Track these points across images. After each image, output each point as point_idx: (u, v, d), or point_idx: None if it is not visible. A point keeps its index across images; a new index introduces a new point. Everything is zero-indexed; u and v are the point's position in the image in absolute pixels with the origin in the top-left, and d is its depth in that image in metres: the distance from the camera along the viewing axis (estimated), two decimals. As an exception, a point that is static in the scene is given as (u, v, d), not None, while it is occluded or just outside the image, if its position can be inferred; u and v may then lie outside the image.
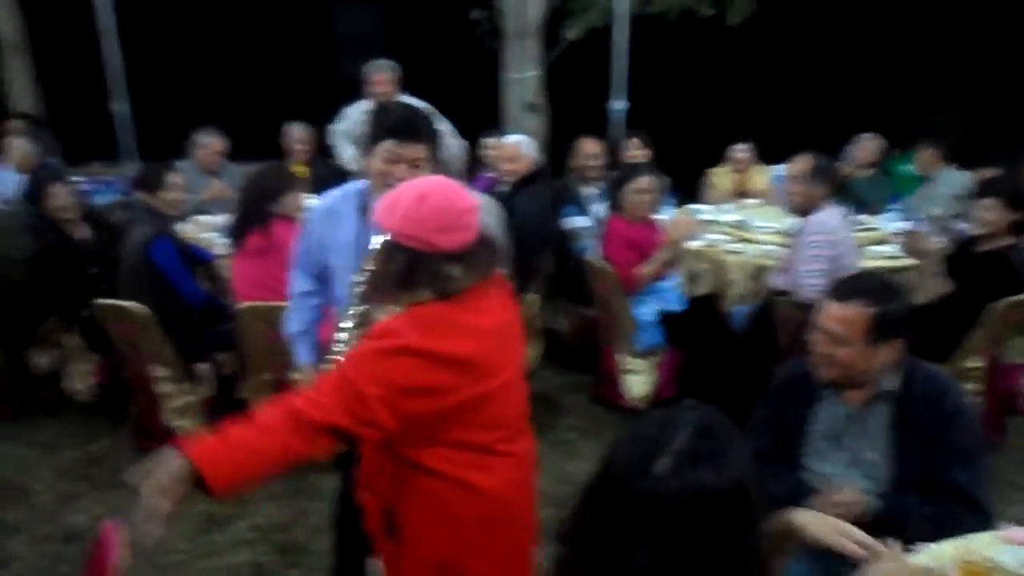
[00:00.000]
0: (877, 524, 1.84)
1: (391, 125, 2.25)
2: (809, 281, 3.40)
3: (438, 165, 2.32)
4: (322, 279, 2.52)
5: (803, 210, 3.62)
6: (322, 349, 2.54)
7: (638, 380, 4.03)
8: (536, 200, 4.24)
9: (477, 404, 1.78)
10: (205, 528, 3.26)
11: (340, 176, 5.34)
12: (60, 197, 3.97)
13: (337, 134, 5.63)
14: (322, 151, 5.77)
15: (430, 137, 2.28)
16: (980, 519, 1.91)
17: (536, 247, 4.14)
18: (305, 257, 2.52)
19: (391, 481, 1.90)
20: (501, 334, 1.85)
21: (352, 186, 2.49)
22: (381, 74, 5.27)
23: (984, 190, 3.62)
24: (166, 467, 1.60)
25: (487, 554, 1.91)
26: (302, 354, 2.59)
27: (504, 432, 1.88)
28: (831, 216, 3.54)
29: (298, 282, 2.57)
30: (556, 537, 1.42)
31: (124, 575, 1.66)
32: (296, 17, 9.03)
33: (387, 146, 2.23)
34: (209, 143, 5.15)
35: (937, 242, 3.85)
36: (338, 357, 2.19)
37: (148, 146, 6.23)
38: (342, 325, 2.27)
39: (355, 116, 5.54)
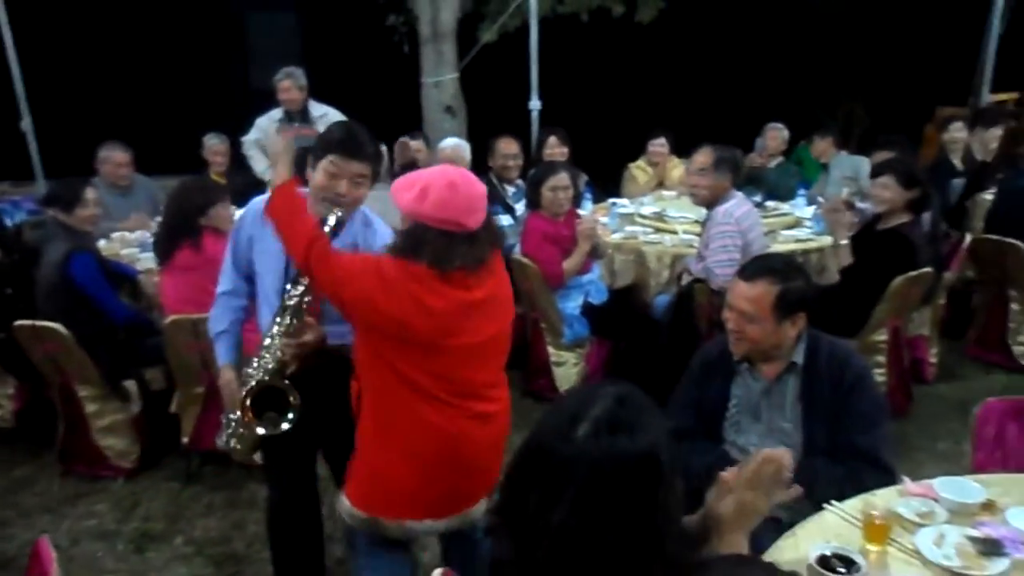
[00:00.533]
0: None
1: (335, 141, 2.30)
2: (721, 271, 3.54)
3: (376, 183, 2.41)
4: (250, 280, 2.53)
5: (709, 202, 3.75)
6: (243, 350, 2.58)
7: (567, 372, 4.13)
8: None
9: (428, 351, 2.08)
10: (140, 546, 3.21)
11: (258, 187, 5.32)
12: (-32, 218, 3.86)
13: (249, 144, 5.61)
14: (239, 162, 5.72)
15: (372, 156, 2.33)
16: (883, 477, 2.06)
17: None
18: (235, 256, 2.53)
19: (362, 366, 2.19)
20: (482, 306, 2.13)
21: None
22: (287, 81, 5.29)
23: (879, 169, 3.81)
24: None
25: (416, 474, 2.18)
26: (222, 354, 2.57)
27: (454, 387, 2.13)
28: (737, 205, 3.69)
29: (226, 280, 2.56)
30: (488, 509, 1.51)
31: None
32: (208, 28, 8.87)
33: (330, 159, 2.27)
34: (111, 156, 5.04)
35: (852, 216, 4.02)
36: (271, 355, 2.30)
37: (58, 164, 6.05)
38: (270, 332, 2.32)
39: (266, 126, 5.54)
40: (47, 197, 3.75)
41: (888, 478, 2.05)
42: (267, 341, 2.33)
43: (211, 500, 3.52)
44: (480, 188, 2.11)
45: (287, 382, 2.31)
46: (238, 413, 2.35)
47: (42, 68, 5.90)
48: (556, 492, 1.29)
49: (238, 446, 2.49)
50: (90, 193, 3.70)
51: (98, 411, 3.65)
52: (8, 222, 5.27)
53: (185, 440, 3.61)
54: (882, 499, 1.89)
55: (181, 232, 3.51)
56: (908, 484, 1.96)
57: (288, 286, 2.31)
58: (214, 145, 5.70)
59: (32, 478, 3.73)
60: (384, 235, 2.45)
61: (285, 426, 2.31)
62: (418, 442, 2.15)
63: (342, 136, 2.32)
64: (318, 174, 2.30)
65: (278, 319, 2.30)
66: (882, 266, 3.62)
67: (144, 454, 3.74)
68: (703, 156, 3.72)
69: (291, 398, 2.30)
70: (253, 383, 2.31)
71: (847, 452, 2.11)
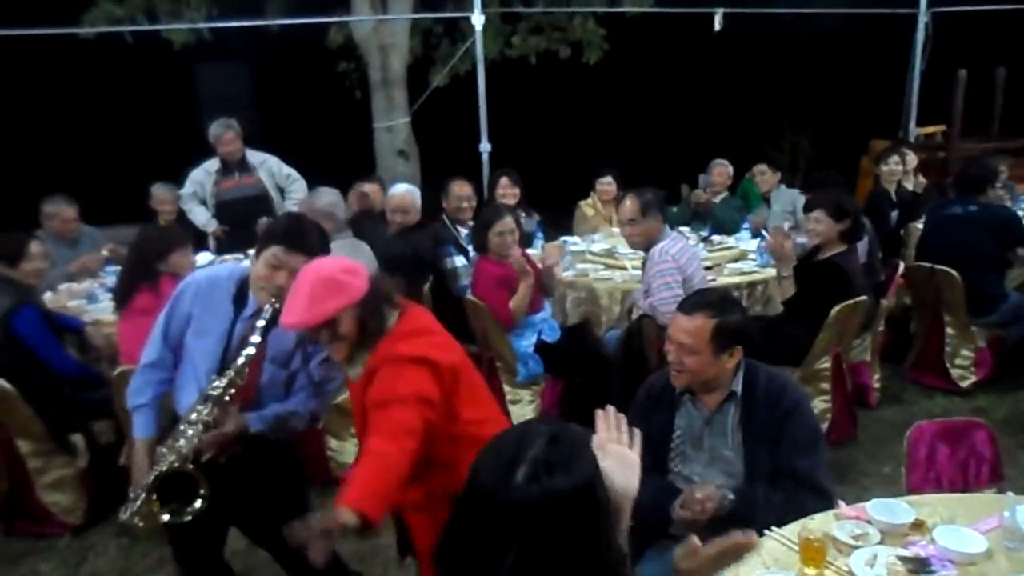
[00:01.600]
0: (732, 516, 2.03)
1: (280, 232, 2.31)
2: (664, 308, 3.62)
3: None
4: (177, 353, 2.49)
5: (646, 246, 3.85)
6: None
7: (523, 410, 4.16)
8: (423, 238, 4.38)
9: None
10: None
11: (201, 239, 5.32)
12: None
13: (186, 198, 5.61)
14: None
15: (317, 249, 2.32)
16: (821, 501, 2.13)
17: (419, 278, 4.26)
18: (167, 328, 2.47)
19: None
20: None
21: (233, 271, 2.50)
22: (230, 133, 5.36)
23: (811, 204, 3.96)
24: (339, 518, 1.87)
25: None
26: (140, 428, 2.50)
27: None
28: (672, 243, 3.80)
29: (151, 351, 2.49)
30: (432, 557, 1.53)
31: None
32: (158, 76, 8.85)
33: (272, 252, 2.27)
34: (58, 212, 5.00)
35: (794, 246, 4.14)
36: (186, 440, 2.27)
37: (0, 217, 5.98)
38: (189, 417, 2.30)
39: (201, 178, 5.57)
40: (-9, 252, 3.70)
41: (825, 501, 2.12)
42: (183, 426, 2.30)
43: (163, 554, 3.43)
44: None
45: (197, 469, 2.27)
46: (143, 494, 2.30)
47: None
48: (503, 538, 1.32)
49: (141, 523, 2.37)
50: (35, 247, 3.67)
51: (42, 467, 3.58)
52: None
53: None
54: (819, 523, 1.95)
55: (140, 276, 3.51)
56: (843, 507, 2.03)
57: (214, 377, 2.30)
58: (161, 194, 5.68)
59: (-26, 538, 3.64)
60: None
61: (188, 517, 2.28)
62: None
63: (287, 228, 2.32)
64: (259, 264, 2.30)
65: (199, 407, 2.29)
66: (820, 296, 3.75)
67: (91, 508, 3.67)
68: (629, 204, 3.82)
69: (201, 488, 2.26)
70: (163, 467, 2.26)
71: (786, 477, 2.18)
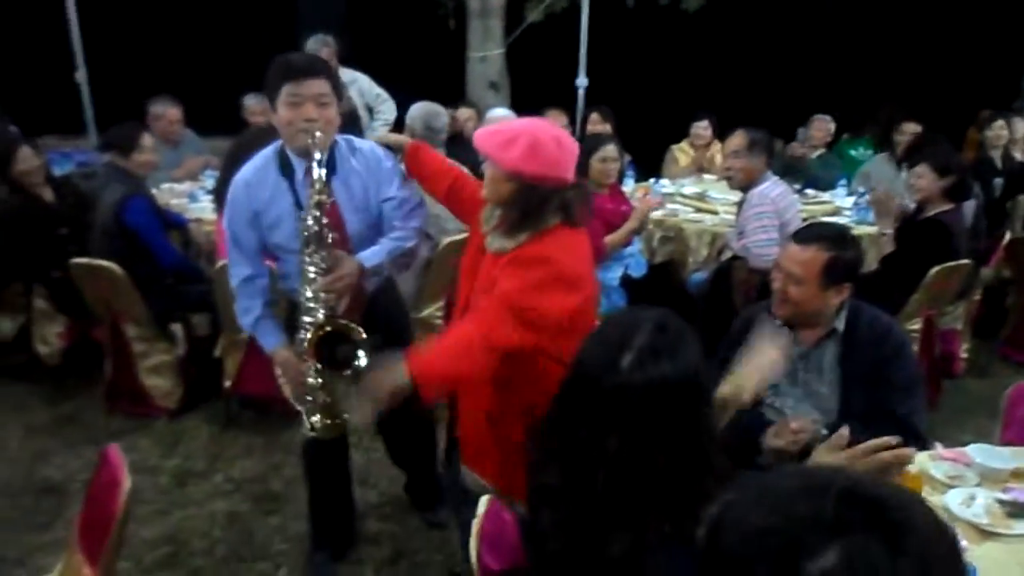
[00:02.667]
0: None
1: (285, 70, 2.18)
2: (759, 251, 3.57)
3: (341, 103, 2.31)
4: (261, 256, 2.44)
5: (745, 185, 3.78)
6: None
7: (601, 343, 4.19)
8: None
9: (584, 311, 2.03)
10: (181, 481, 3.33)
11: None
12: (28, 161, 3.95)
13: None
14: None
15: (327, 72, 2.23)
16: (917, 446, 2.10)
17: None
18: (241, 241, 2.39)
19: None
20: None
21: (265, 152, 2.40)
22: (326, 50, 5.36)
23: (915, 159, 3.82)
24: (392, 376, 1.86)
25: None
26: (268, 341, 2.46)
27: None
28: (772, 186, 3.71)
29: (238, 268, 2.43)
30: (530, 441, 1.58)
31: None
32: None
33: (287, 90, 2.16)
34: (165, 112, 5.15)
35: (901, 205, 4.03)
36: (315, 317, 2.23)
37: (107, 117, 6.18)
38: (306, 276, 2.24)
39: None
40: (105, 141, 3.86)
41: (921, 445, 2.10)
42: (306, 292, 2.25)
43: (249, 443, 3.63)
44: (573, 140, 2.05)
45: (340, 321, 2.23)
46: (312, 379, 2.29)
47: (97, 20, 6.00)
48: (608, 421, 1.35)
49: (326, 420, 2.36)
50: (147, 139, 3.81)
51: (145, 351, 3.77)
52: (57, 171, 5.42)
53: (228, 384, 3.72)
54: (917, 461, 1.94)
55: None
56: (940, 449, 2.01)
57: (304, 216, 2.20)
58: (252, 106, 5.79)
59: (78, 414, 3.87)
60: (374, 151, 2.42)
61: (364, 361, 2.18)
62: None
63: (288, 62, 2.20)
64: (280, 110, 2.19)
65: (307, 257, 2.22)
66: (920, 254, 3.64)
67: (186, 396, 3.87)
68: (737, 138, 3.75)
69: (354, 335, 2.20)
70: (310, 334, 2.21)
71: (883, 420, 2.15)
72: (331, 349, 2.23)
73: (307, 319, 2.27)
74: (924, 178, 3.70)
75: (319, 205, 2.18)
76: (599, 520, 1.35)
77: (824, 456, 1.57)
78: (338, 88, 2.28)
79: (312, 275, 2.24)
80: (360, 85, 5.68)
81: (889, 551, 0.71)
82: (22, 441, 3.62)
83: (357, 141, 2.45)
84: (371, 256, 2.40)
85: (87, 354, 4.06)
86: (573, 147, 2.00)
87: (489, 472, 2.17)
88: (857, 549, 0.72)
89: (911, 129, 5.36)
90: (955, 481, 1.88)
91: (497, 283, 1.97)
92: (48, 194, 4.11)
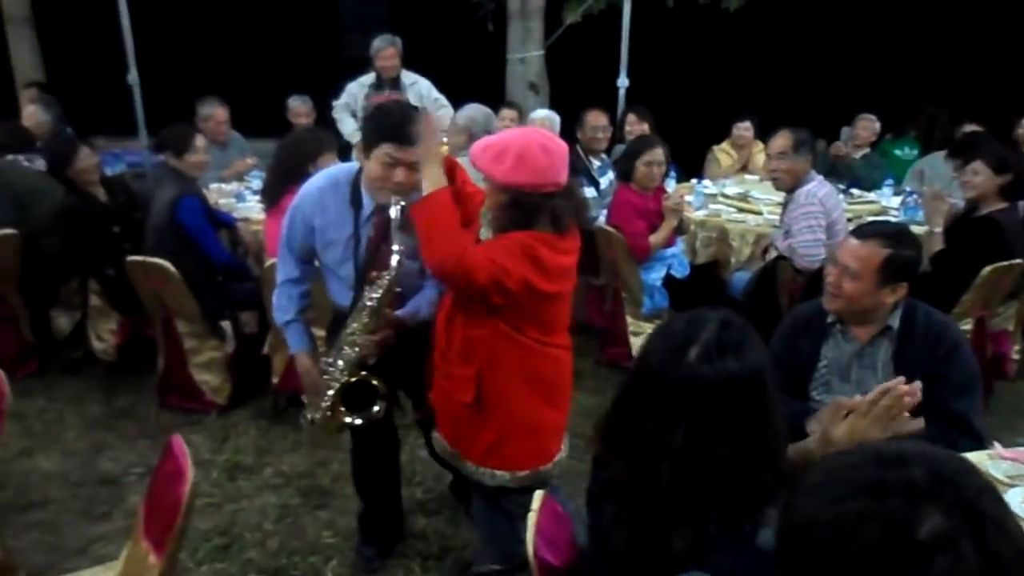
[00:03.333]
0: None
1: (391, 130, 2.23)
2: (806, 251, 3.54)
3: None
4: (310, 262, 2.57)
5: (790, 186, 3.74)
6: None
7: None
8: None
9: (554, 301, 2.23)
10: (232, 475, 3.40)
11: (344, 149, 5.49)
12: (87, 159, 4.08)
13: (339, 108, 5.78)
14: (323, 124, 5.89)
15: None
16: (975, 444, 2.09)
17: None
18: (290, 242, 2.51)
19: (487, 349, 2.21)
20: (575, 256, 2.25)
21: (342, 173, 2.47)
22: (390, 49, 5.44)
23: (969, 156, 3.75)
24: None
25: (556, 410, 2.34)
26: (295, 343, 2.60)
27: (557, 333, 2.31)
28: (819, 186, 3.68)
29: (286, 268, 2.56)
30: (594, 439, 1.59)
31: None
32: (303, -1, 9.13)
33: (386, 150, 2.23)
34: (213, 114, 5.26)
35: (953, 205, 3.96)
36: (348, 351, 2.39)
37: (157, 119, 6.31)
38: (351, 327, 2.38)
39: (356, 91, 5.71)
40: (160, 142, 3.94)
41: (978, 444, 2.07)
42: (347, 333, 2.38)
43: (297, 438, 3.69)
44: (563, 146, 2.16)
45: (374, 376, 2.43)
46: (326, 408, 2.46)
47: (148, 23, 6.14)
48: (673, 415, 1.36)
49: (325, 423, 2.52)
50: (200, 140, 3.89)
51: (196, 347, 3.85)
52: (108, 172, 5.56)
53: (275, 380, 3.78)
54: (975, 459, 1.91)
55: (290, 177, 3.64)
56: (999, 448, 1.99)
57: (367, 291, 2.33)
58: (297, 107, 5.89)
59: (132, 408, 3.96)
60: None
61: (377, 409, 2.45)
62: (559, 382, 2.33)
63: (397, 122, 2.24)
64: (373, 164, 2.27)
65: (359, 316, 2.35)
66: (973, 253, 3.58)
67: (235, 392, 3.94)
68: (782, 139, 3.72)
69: (377, 386, 2.42)
70: (341, 380, 2.41)
71: (939, 418, 2.13)
72: (352, 395, 2.45)
73: (336, 352, 2.43)
74: (980, 175, 3.64)
75: (388, 291, 2.33)
76: (662, 515, 1.36)
77: (834, 428, 1.56)
78: None
79: (357, 328, 2.37)
80: (420, 88, 5.73)
81: (986, 498, 0.74)
82: (80, 434, 3.72)
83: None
84: (413, 310, 2.52)
85: (141, 350, 4.16)
86: (562, 151, 2.12)
87: (505, 461, 2.33)
88: (959, 502, 0.76)
89: (964, 128, 5.26)
90: (1016, 480, 1.86)
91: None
92: (101, 193, 4.23)
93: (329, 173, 2.49)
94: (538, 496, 1.74)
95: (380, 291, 2.32)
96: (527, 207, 2.09)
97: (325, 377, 2.46)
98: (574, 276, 2.27)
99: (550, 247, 2.11)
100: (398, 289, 2.38)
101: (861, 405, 1.54)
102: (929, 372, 2.16)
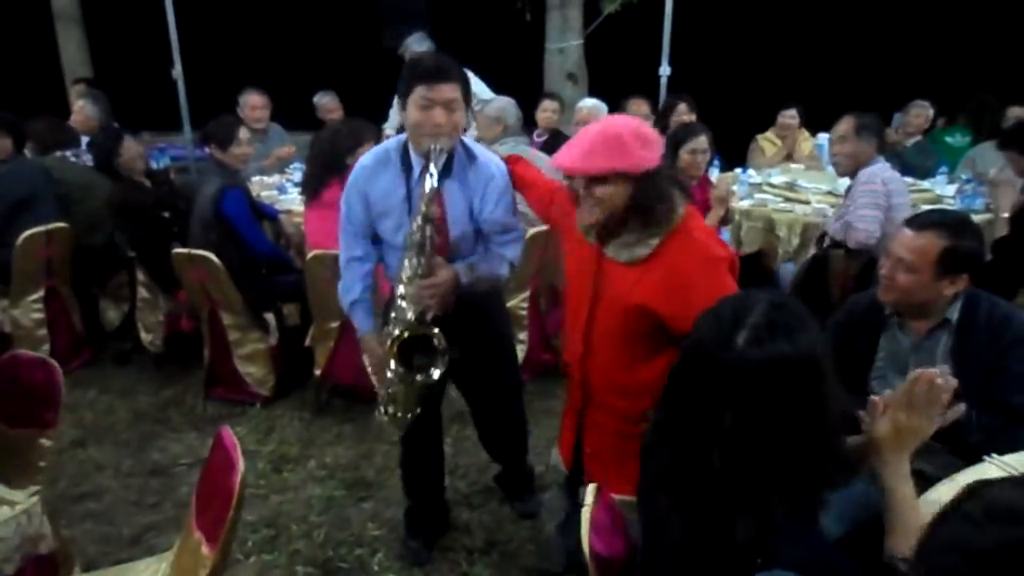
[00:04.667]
0: (939, 435, 1.94)
1: (420, 72, 2.21)
2: (862, 225, 3.41)
3: (469, 109, 2.32)
4: (373, 240, 2.53)
5: (852, 171, 3.63)
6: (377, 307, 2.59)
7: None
8: None
9: None
10: (277, 466, 3.42)
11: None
12: (131, 149, 4.15)
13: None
14: (358, 115, 5.88)
15: (460, 77, 2.24)
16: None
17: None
18: (354, 220, 2.48)
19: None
20: None
21: (392, 143, 2.45)
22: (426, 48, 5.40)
23: (1017, 143, 3.62)
24: None
25: None
26: (361, 324, 2.57)
27: None
28: (883, 169, 3.57)
29: (349, 247, 2.52)
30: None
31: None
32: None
33: (419, 92, 2.20)
34: (252, 101, 5.31)
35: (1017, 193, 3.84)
36: (407, 304, 2.28)
37: (200, 113, 6.38)
38: (401, 279, 2.29)
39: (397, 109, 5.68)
40: (205, 134, 3.98)
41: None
42: (400, 289, 2.30)
43: (340, 431, 3.71)
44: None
45: (429, 327, 2.26)
46: (391, 374, 2.32)
47: (192, 19, 6.19)
48: (723, 398, 1.33)
49: (398, 413, 2.41)
50: (243, 133, 3.91)
51: (240, 339, 3.88)
52: (153, 166, 5.64)
53: (318, 372, 3.80)
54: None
55: (331, 170, 3.65)
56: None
57: (412, 220, 2.26)
58: (326, 103, 5.89)
59: (179, 399, 4.02)
60: (489, 167, 2.42)
61: (439, 371, 2.26)
62: None
63: (425, 65, 2.22)
64: (410, 110, 2.23)
65: (406, 262, 2.27)
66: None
67: (278, 384, 3.97)
68: (844, 124, 3.62)
69: (436, 342, 2.24)
70: (396, 333, 2.25)
71: (999, 411, 2.05)
72: (411, 353, 2.28)
73: (397, 315, 2.32)
74: None
75: (427, 217, 2.23)
76: (719, 503, 1.33)
77: (875, 427, 1.56)
78: (468, 93, 2.29)
79: (408, 276, 2.28)
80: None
81: None
82: (129, 425, 3.78)
83: (478, 149, 2.45)
84: (464, 270, 2.41)
85: (187, 342, 4.21)
86: (647, 129, 1.99)
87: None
88: None
89: (1016, 114, 5.09)
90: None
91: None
92: (147, 184, 4.29)
93: (379, 147, 2.48)
94: (591, 488, 1.71)
95: (419, 218, 2.22)
96: (653, 190, 1.95)
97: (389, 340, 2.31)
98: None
99: (711, 235, 2.06)
100: (434, 214, 2.24)
101: (897, 398, 1.51)
102: (989, 365, 2.09)
